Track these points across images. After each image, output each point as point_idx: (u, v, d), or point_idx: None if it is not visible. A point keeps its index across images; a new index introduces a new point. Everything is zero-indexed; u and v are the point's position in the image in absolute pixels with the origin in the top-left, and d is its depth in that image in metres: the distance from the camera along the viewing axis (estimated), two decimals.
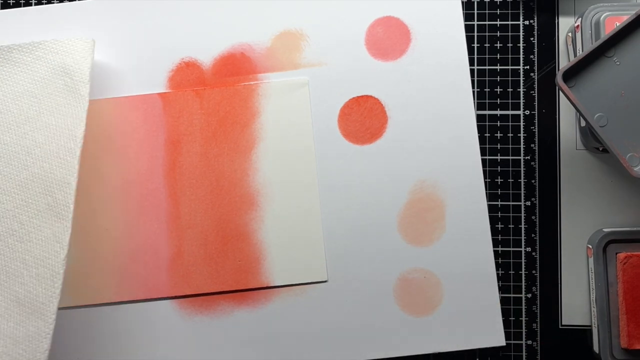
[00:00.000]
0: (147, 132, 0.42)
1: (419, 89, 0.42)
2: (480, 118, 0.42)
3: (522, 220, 0.42)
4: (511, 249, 0.42)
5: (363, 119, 0.42)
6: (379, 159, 0.42)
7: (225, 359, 0.41)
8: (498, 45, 0.43)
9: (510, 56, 0.43)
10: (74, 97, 0.40)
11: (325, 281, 0.41)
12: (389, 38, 0.42)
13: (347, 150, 0.42)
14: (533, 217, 0.42)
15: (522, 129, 0.42)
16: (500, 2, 0.43)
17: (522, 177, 0.42)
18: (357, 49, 0.42)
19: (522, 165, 0.42)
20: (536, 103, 0.42)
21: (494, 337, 0.41)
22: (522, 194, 0.42)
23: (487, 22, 0.43)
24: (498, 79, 0.43)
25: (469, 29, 0.42)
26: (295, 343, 0.41)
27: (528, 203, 0.42)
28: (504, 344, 0.41)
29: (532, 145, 0.42)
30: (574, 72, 0.35)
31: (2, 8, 0.43)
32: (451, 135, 0.41)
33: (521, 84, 0.43)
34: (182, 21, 0.42)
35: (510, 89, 0.43)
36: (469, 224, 0.41)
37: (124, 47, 0.42)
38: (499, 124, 0.43)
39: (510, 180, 0.42)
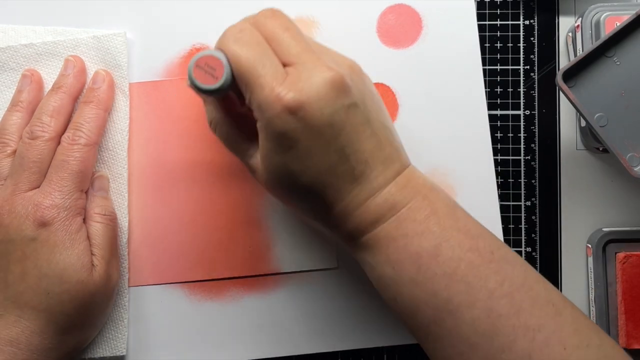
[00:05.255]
0: (158, 118, 0.42)
1: (431, 76, 0.41)
2: None
3: (522, 220, 0.42)
4: (511, 249, 0.42)
5: None
6: None
7: (234, 344, 0.41)
8: (498, 45, 0.43)
9: (510, 56, 0.43)
10: (117, 93, 0.41)
11: (335, 268, 0.41)
12: (400, 25, 0.42)
13: None
14: (533, 217, 0.42)
15: (522, 129, 0.43)
16: (500, 2, 0.43)
17: (522, 177, 0.42)
18: (368, 36, 0.42)
19: (522, 165, 0.42)
20: (536, 103, 0.42)
21: None
22: (522, 194, 0.42)
23: (487, 22, 0.43)
24: (498, 79, 0.43)
25: None
26: (304, 329, 0.41)
27: (528, 203, 0.42)
28: None
29: (532, 145, 0.42)
30: (574, 72, 0.36)
31: None
32: (462, 124, 0.41)
33: (521, 84, 0.43)
34: (194, 7, 0.42)
35: (510, 89, 0.43)
36: (480, 212, 0.40)
37: (134, 32, 0.42)
38: (499, 124, 0.43)
39: (510, 180, 0.42)
